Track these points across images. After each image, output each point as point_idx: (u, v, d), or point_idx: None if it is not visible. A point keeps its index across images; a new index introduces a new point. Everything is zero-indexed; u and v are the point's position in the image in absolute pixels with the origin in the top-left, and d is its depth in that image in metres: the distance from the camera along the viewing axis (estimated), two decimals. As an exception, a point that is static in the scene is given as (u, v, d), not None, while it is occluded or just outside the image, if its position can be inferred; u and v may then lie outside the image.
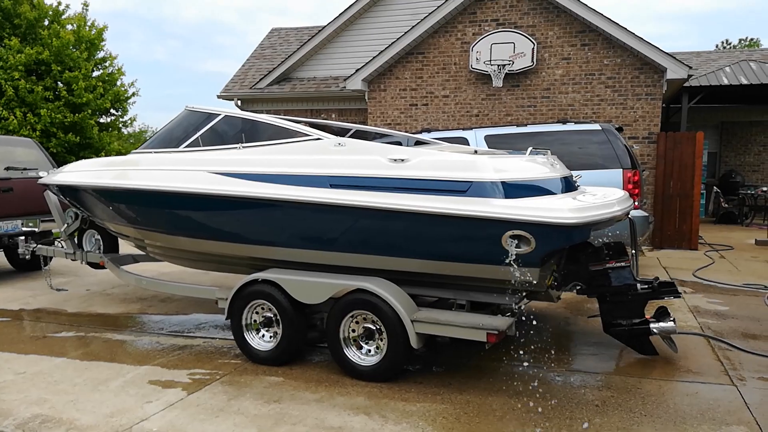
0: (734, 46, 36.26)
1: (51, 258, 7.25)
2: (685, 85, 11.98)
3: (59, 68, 16.73)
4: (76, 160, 12.34)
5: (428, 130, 8.87)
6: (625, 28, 10.60)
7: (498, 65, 11.29)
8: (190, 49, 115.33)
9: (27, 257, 7.39)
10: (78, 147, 17.21)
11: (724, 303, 6.54)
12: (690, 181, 10.55)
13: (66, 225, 6.65)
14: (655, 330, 4.58)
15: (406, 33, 11.88)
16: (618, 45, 10.83)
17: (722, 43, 39.10)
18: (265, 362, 4.62)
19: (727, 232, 13.03)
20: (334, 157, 4.43)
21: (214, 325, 5.80)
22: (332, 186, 4.29)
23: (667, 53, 10.53)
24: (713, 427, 3.51)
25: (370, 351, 4.33)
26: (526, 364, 4.60)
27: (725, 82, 13.14)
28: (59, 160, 15.10)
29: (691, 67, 10.76)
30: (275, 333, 4.64)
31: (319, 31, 14.03)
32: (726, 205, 15.00)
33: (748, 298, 6.76)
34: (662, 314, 4.62)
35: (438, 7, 11.63)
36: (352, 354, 4.35)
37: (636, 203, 7.30)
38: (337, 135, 4.82)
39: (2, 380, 4.37)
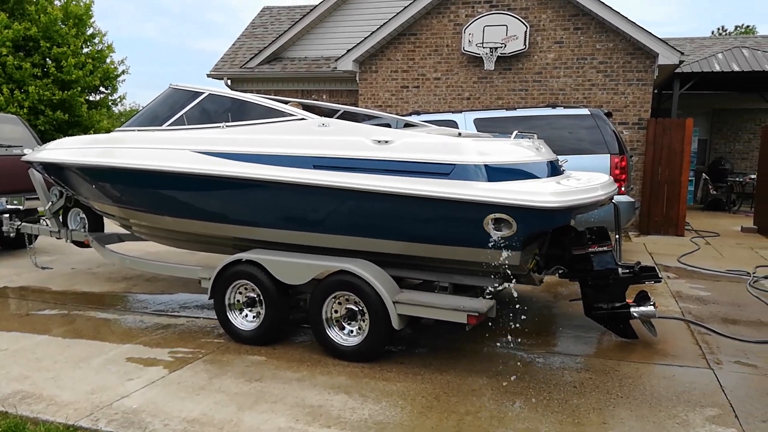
0: (730, 33, 36.19)
1: (36, 236, 7.23)
2: (676, 71, 11.97)
3: (48, 44, 16.49)
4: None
5: (418, 113, 8.84)
6: (619, 13, 10.55)
7: (490, 48, 11.22)
8: (181, 26, 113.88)
9: (12, 235, 7.36)
10: (67, 125, 17.04)
11: (706, 288, 6.61)
12: (678, 167, 10.58)
13: (50, 203, 6.61)
14: (635, 314, 4.62)
15: (398, 13, 11.77)
16: (611, 29, 10.79)
17: (718, 29, 39.00)
18: (247, 342, 4.64)
19: (715, 219, 13.12)
20: (317, 138, 4.41)
21: (198, 305, 5.80)
22: (315, 167, 4.28)
23: (659, 38, 10.50)
24: (687, 408, 3.57)
25: (352, 332, 4.36)
26: (507, 346, 4.64)
27: (717, 68, 13.13)
28: (47, 137, 14.93)
29: (683, 53, 10.74)
30: (258, 313, 4.66)
31: (311, 10, 13.87)
32: (714, 192, 15.09)
33: (730, 284, 6.83)
34: (643, 299, 4.66)
35: (431, -13, 11.51)
36: (335, 334, 4.37)
37: (622, 188, 7.34)
38: (326, 116, 4.79)
39: (-17, 357, 4.37)
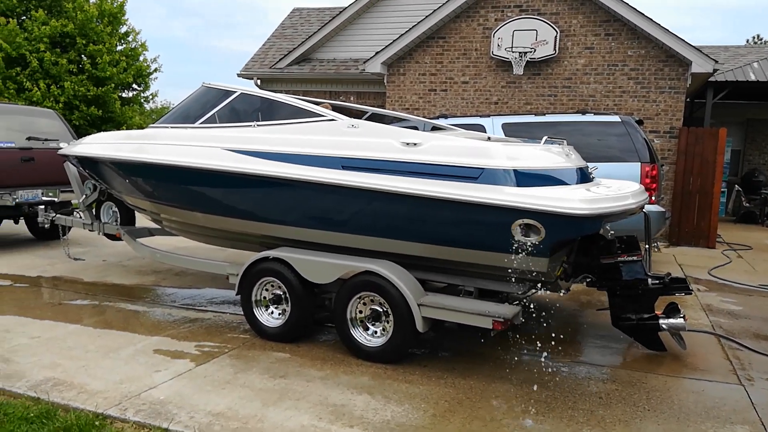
0: (766, 42, 35.36)
1: (69, 228, 7.39)
2: (710, 79, 11.74)
3: (83, 41, 16.87)
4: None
5: (445, 116, 8.82)
6: (651, 19, 10.39)
7: (519, 52, 11.15)
8: (209, 26, 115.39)
9: (46, 226, 7.55)
10: (100, 120, 17.41)
11: (738, 303, 6.47)
12: (711, 178, 10.37)
13: (84, 196, 6.76)
14: (664, 326, 4.55)
15: (427, 17, 11.76)
16: (643, 36, 10.64)
17: (753, 38, 38.14)
18: (272, 338, 4.69)
19: (747, 231, 12.83)
20: (346, 139, 4.43)
21: (225, 300, 5.88)
22: (344, 167, 4.30)
23: (693, 46, 10.32)
24: (717, 425, 3.50)
25: (376, 332, 4.37)
26: (531, 353, 4.60)
27: (752, 78, 12.84)
28: (81, 132, 15.28)
29: (717, 62, 10.54)
30: (284, 310, 4.70)
31: (341, 12, 13.95)
32: (747, 204, 14.74)
33: (763, 299, 6.67)
34: (672, 310, 4.58)
35: (462, -9, 11.49)
36: (359, 335, 4.39)
37: (653, 198, 7.22)
38: (353, 117, 4.82)
39: (17, 344, 4.49)
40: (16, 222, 8.76)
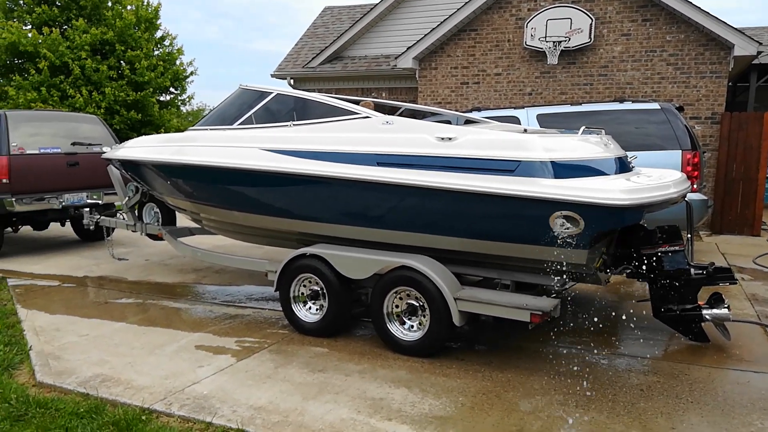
0: (813, 21, 33.84)
1: (113, 229, 7.64)
2: (753, 62, 11.32)
3: (122, 48, 17.33)
4: (138, 136, 12.84)
5: (479, 109, 8.76)
6: (690, 2, 10.08)
7: (553, 42, 10.97)
8: (242, 28, 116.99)
9: (91, 228, 7.81)
10: (139, 124, 17.87)
11: (785, 292, 6.26)
12: (755, 164, 10.02)
13: (127, 198, 6.97)
14: (707, 317, 4.44)
15: (458, 10, 11.68)
16: (682, 20, 10.33)
17: (800, 17, 36.56)
18: (311, 333, 4.76)
19: (796, 218, 12.34)
20: (381, 135, 4.46)
21: (263, 297, 5.99)
22: (379, 164, 4.33)
23: (735, 28, 9.97)
24: (763, 416, 3.40)
25: (412, 327, 4.39)
26: (570, 346, 4.56)
27: (800, 59, 12.33)
28: (122, 136, 15.73)
29: (761, 44, 10.15)
30: (321, 306, 4.77)
31: (371, 9, 13.97)
32: (795, 191, 14.18)
33: (812, 288, 6.43)
34: (717, 300, 4.46)
35: (492, -18, 11.37)
36: (395, 329, 4.42)
37: (695, 186, 7.03)
38: (387, 113, 4.84)
39: (67, 341, 4.68)
40: (63, 224, 9.09)
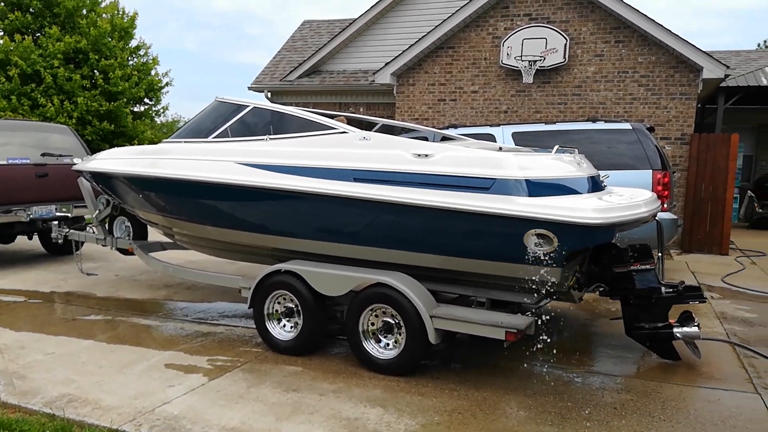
0: (777, 46, 35.06)
1: (82, 243, 7.46)
2: (721, 85, 11.67)
3: (96, 57, 17.10)
4: (110, 147, 12.64)
5: (455, 126, 8.83)
6: (661, 25, 10.37)
7: (529, 61, 11.16)
8: (221, 39, 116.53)
9: (59, 241, 7.62)
10: (112, 135, 17.61)
11: (752, 310, 6.39)
12: (723, 184, 10.29)
13: (98, 211, 6.83)
14: (678, 335, 4.51)
15: (436, 27, 11.81)
16: (653, 42, 10.61)
17: (765, 42, 37.84)
18: (285, 352, 4.69)
19: (761, 238, 12.67)
20: (358, 151, 4.45)
21: (237, 314, 5.90)
22: (356, 180, 4.32)
23: (704, 51, 10.27)
24: (734, 435, 3.45)
25: (388, 345, 4.36)
26: (544, 364, 4.57)
27: (764, 82, 12.75)
28: (94, 147, 15.46)
29: (728, 67, 10.47)
30: (296, 323, 4.71)
31: (350, 23, 14.04)
32: (760, 210, 14.58)
33: (778, 306, 6.58)
34: (687, 319, 4.54)
35: (470, 0, 11.54)
36: (371, 347, 4.38)
37: (665, 205, 7.17)
38: (364, 129, 4.84)
39: (32, 360, 4.53)
40: (30, 238, 8.86)
